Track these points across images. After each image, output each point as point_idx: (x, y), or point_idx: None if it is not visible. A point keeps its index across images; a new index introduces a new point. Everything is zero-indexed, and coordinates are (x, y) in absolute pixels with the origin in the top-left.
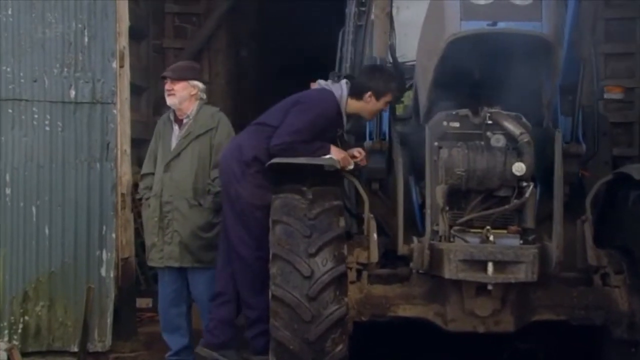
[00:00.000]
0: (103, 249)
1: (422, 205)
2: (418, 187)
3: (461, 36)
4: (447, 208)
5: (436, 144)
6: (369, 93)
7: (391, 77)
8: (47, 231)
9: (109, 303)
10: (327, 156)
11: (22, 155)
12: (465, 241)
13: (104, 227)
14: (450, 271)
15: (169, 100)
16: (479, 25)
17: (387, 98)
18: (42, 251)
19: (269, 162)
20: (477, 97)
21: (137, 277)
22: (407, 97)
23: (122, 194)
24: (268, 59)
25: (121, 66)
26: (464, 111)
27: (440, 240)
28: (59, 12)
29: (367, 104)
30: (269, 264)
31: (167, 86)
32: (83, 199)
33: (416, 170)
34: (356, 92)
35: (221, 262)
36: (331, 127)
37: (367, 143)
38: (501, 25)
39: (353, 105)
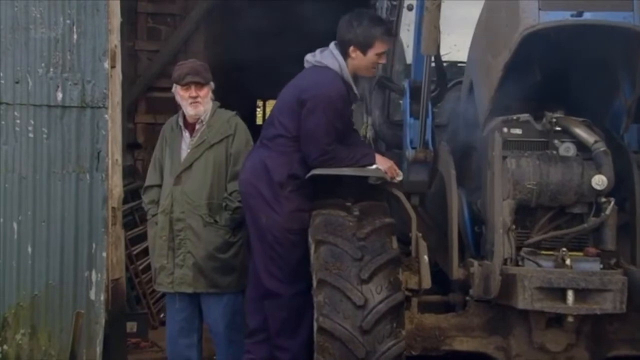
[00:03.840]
0: (92, 270)
1: (475, 223)
2: (469, 202)
3: (540, 28)
4: (514, 227)
5: (495, 153)
6: (352, 47)
7: (373, 22)
8: (29, 250)
9: (98, 329)
10: (373, 166)
11: (2, 165)
12: (539, 265)
13: (94, 245)
14: (524, 300)
15: (193, 110)
16: (561, 16)
17: (377, 49)
18: (24, 272)
19: (309, 174)
20: (547, 99)
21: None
22: (448, 100)
23: (113, 208)
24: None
25: (113, 66)
26: (525, 116)
27: (505, 264)
28: (45, 7)
29: (354, 60)
30: (314, 290)
31: (192, 93)
32: (70, 213)
33: (468, 183)
34: (342, 51)
35: (253, 293)
36: (347, 105)
37: (409, 152)
38: (587, 16)
39: (349, 67)
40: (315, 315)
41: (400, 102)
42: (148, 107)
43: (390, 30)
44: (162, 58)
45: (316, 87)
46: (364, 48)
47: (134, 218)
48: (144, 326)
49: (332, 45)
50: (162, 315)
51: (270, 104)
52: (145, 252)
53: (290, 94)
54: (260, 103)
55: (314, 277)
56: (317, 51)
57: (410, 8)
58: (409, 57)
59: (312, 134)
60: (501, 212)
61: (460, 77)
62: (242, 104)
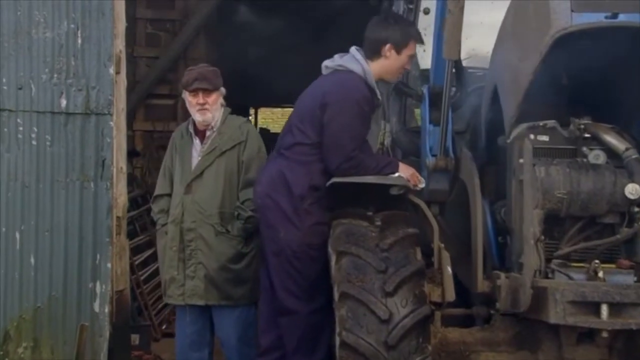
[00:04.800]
0: (97, 281)
1: (499, 233)
2: (492, 212)
3: (573, 31)
4: (543, 237)
5: (525, 160)
6: (388, 45)
7: (408, 23)
8: (32, 260)
9: (102, 343)
10: (396, 174)
11: (4, 174)
12: (570, 278)
13: (98, 256)
14: (556, 315)
15: (202, 117)
16: (595, 18)
17: (410, 50)
18: (26, 284)
19: (330, 182)
20: (573, 104)
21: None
22: (465, 106)
23: (118, 217)
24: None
25: (117, 72)
26: (552, 122)
27: (535, 277)
28: (49, 11)
29: (388, 60)
30: (335, 304)
31: (200, 100)
32: (74, 223)
33: (488, 191)
34: (373, 50)
35: (266, 309)
36: (371, 109)
37: (430, 160)
38: (622, 17)
39: (375, 69)
40: (338, 330)
41: (416, 108)
42: (146, 114)
43: (420, 34)
44: (161, 64)
45: (341, 89)
46: (399, 47)
47: (134, 227)
48: (146, 338)
49: (353, 49)
50: (164, 327)
51: (262, 112)
52: (146, 262)
53: (311, 99)
54: (252, 111)
55: (335, 290)
56: (336, 56)
57: (426, 12)
58: (425, 62)
59: (337, 139)
60: (532, 222)
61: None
62: (234, 112)
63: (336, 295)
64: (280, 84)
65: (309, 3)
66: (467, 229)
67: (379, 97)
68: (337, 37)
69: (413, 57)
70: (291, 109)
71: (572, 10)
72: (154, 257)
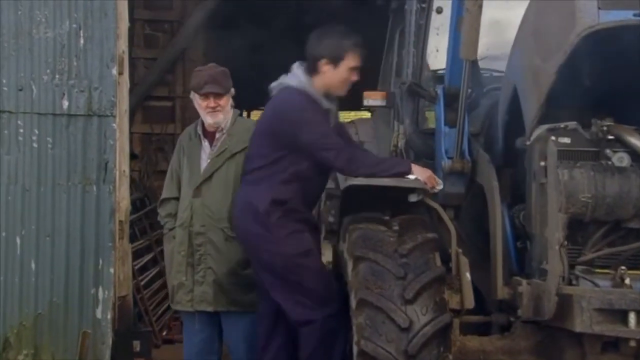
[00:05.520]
0: (99, 287)
1: (518, 238)
2: (510, 216)
3: (600, 29)
4: (566, 243)
5: (550, 163)
6: (323, 61)
7: (342, 35)
8: (33, 266)
9: (104, 350)
10: (412, 177)
11: (4, 177)
12: (596, 285)
13: (101, 261)
14: (582, 323)
15: (213, 119)
16: (624, 16)
17: (349, 62)
18: (27, 290)
19: (346, 185)
20: (593, 105)
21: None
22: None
23: (120, 222)
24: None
25: (120, 73)
26: (573, 124)
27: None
28: (50, 10)
29: (326, 75)
30: (353, 311)
31: (211, 103)
32: (76, 227)
33: (505, 195)
34: (311, 67)
35: (265, 328)
36: (321, 113)
37: (446, 163)
38: None
39: (318, 84)
40: (355, 338)
41: (428, 110)
42: (144, 116)
43: (360, 42)
44: (160, 66)
45: (283, 105)
46: (335, 61)
47: (133, 231)
48: (147, 345)
49: (294, 65)
50: (164, 333)
51: (255, 115)
52: (145, 267)
53: (261, 123)
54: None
55: (352, 297)
56: (281, 76)
57: (439, 11)
58: (436, 63)
59: (312, 143)
60: (558, 227)
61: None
62: None
63: (353, 303)
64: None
65: (305, 4)
66: (481, 233)
67: (325, 106)
68: None
69: (357, 69)
70: None
71: (599, 8)
72: (153, 262)
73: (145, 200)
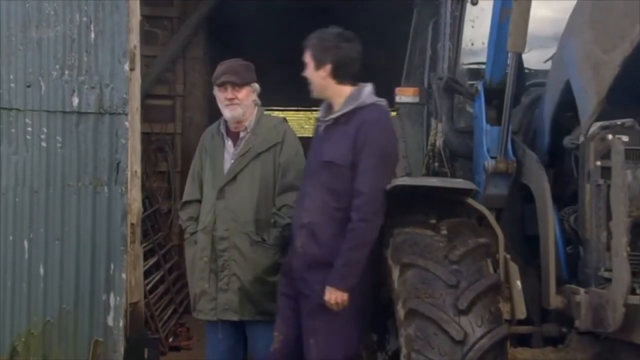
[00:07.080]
0: (110, 292)
1: (568, 243)
2: (560, 219)
3: None
4: (628, 249)
5: (615, 163)
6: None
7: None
8: (42, 271)
9: (117, 359)
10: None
11: (12, 178)
12: None
13: (112, 266)
14: None
15: (231, 112)
16: None
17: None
18: (35, 296)
19: (390, 185)
20: None
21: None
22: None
23: (132, 225)
24: None
25: (132, 69)
26: (630, 121)
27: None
28: (59, 3)
29: None
30: (400, 322)
31: (229, 94)
32: (87, 231)
33: (560, 196)
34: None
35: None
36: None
37: (489, 163)
38: None
39: None
40: (405, 351)
41: (464, 106)
42: (144, 115)
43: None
44: (160, 64)
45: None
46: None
47: None
48: (154, 352)
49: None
50: (170, 340)
51: None
52: (149, 271)
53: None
54: None
55: (399, 306)
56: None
57: (474, 2)
58: (471, 57)
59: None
60: (624, 232)
61: None
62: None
63: (401, 312)
64: (278, 86)
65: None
66: (520, 237)
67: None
68: None
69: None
70: (294, 111)
71: None
72: (157, 266)
73: (145, 202)
